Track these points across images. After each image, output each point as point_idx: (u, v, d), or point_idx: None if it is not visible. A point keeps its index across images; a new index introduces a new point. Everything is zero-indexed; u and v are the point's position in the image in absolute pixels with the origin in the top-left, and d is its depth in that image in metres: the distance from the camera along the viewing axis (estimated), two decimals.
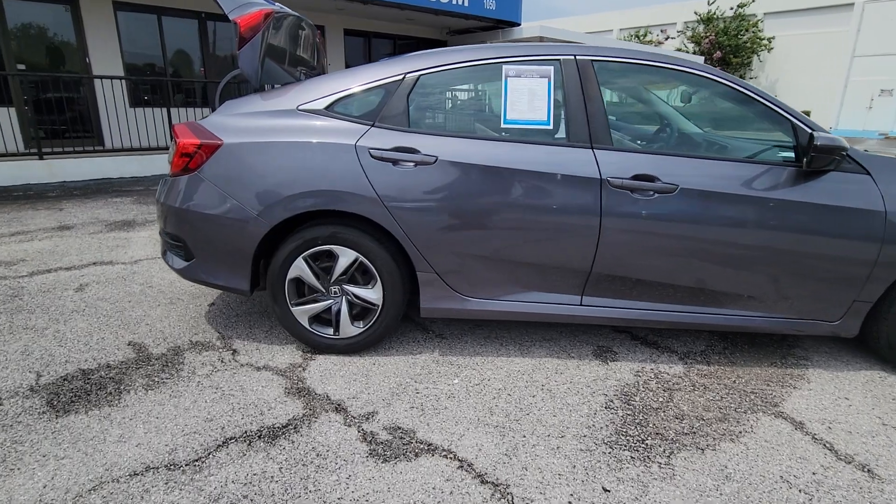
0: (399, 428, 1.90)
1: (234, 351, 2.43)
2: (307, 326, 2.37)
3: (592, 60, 2.24)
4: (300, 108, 2.28)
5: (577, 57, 2.24)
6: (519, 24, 11.10)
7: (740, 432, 1.92)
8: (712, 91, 2.29)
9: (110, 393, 2.07)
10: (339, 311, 2.35)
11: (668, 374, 2.32)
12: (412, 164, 2.16)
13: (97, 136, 7.82)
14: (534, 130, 2.23)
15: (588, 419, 1.97)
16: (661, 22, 27.31)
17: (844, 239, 2.11)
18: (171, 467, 1.68)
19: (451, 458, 1.75)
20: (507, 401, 2.08)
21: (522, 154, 2.16)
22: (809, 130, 2.10)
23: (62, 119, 7.46)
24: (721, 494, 1.61)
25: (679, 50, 21.43)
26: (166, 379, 2.18)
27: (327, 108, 2.27)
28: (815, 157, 2.04)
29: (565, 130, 2.20)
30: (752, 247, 2.14)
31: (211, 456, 1.73)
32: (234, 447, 1.78)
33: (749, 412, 2.04)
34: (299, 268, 2.29)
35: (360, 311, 2.39)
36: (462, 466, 1.71)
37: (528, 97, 2.20)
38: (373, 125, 2.23)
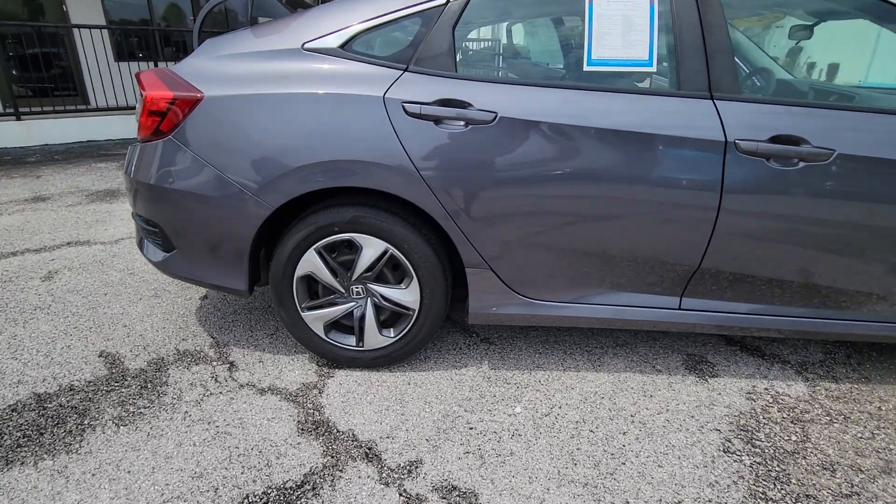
0: (455, 489, 1.39)
1: (232, 364, 1.93)
2: (323, 336, 1.85)
3: None
4: (306, 46, 1.67)
5: None
6: None
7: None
8: None
9: (70, 432, 1.58)
10: (363, 317, 1.82)
11: (789, 396, 1.80)
12: (462, 123, 1.57)
13: (81, 94, 7.15)
14: (630, 74, 1.63)
15: (706, 472, 1.46)
16: None
17: None
18: None
19: None
20: (590, 441, 1.57)
21: (614, 107, 1.57)
22: None
23: (41, 76, 6.78)
24: None
25: None
26: (144, 408, 1.68)
27: (343, 46, 1.66)
28: None
29: (674, 74, 1.60)
30: None
31: None
32: None
33: None
34: (311, 262, 1.75)
35: (390, 316, 1.87)
36: None
37: (622, 27, 1.58)
38: (406, 69, 1.62)
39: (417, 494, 1.37)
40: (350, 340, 1.87)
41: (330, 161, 1.60)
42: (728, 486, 1.42)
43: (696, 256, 1.65)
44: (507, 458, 1.50)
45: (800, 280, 1.68)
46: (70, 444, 1.52)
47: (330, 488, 1.38)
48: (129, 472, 1.43)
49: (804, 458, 1.52)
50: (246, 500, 1.35)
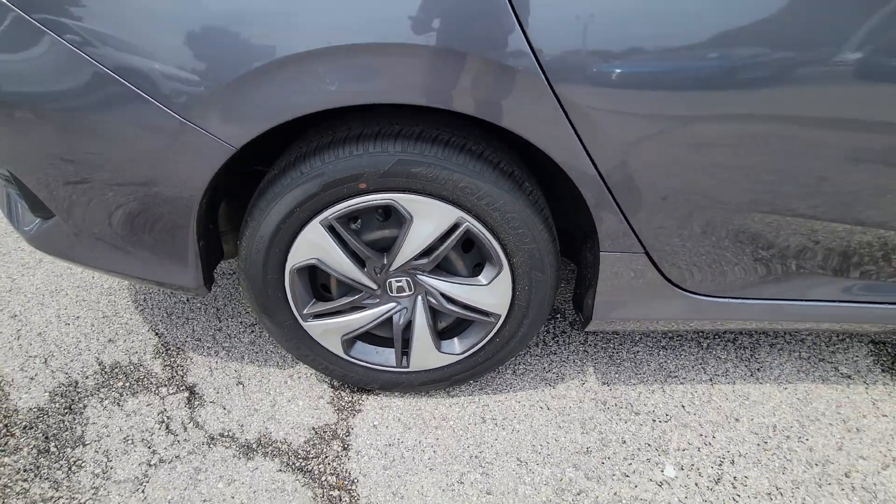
0: None
1: (191, 393, 1.19)
2: (342, 354, 1.11)
3: None
4: None
5: None
6: None
7: None
8: None
9: None
10: (408, 326, 1.07)
11: None
12: None
13: None
14: None
15: None
16: None
17: None
18: None
19: None
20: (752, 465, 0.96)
21: None
22: None
23: None
24: None
25: None
26: (44, 502, 0.97)
27: None
28: None
29: None
30: None
31: None
32: None
33: None
34: (315, 244, 0.95)
35: (453, 322, 1.12)
36: None
37: None
38: None
39: None
40: (386, 357, 1.13)
41: (363, 45, 0.73)
42: None
43: None
44: None
45: None
46: None
47: None
48: None
49: None
50: None
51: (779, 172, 0.84)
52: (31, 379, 1.21)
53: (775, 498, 1.02)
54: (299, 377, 1.24)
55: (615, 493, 1.02)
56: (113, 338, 1.32)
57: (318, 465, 1.05)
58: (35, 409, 1.14)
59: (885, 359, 1.34)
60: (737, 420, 1.17)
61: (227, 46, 0.75)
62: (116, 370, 1.24)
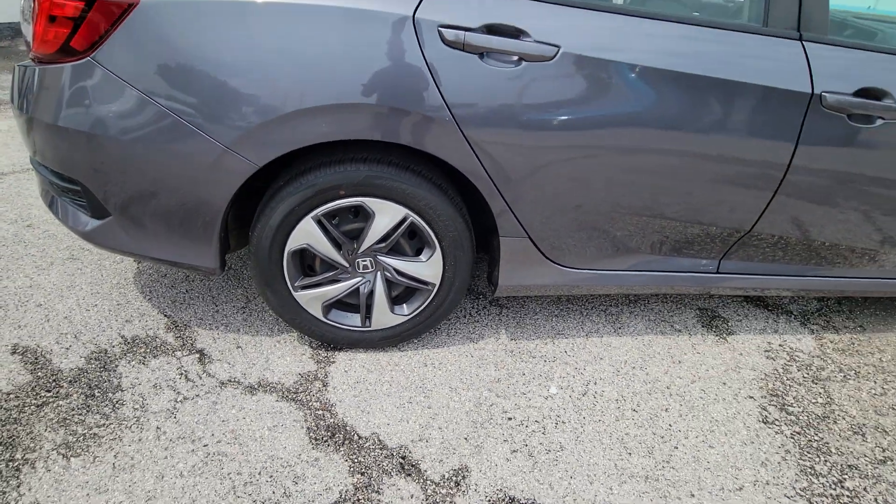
0: (513, 500, 1.23)
1: (202, 354, 1.56)
2: (321, 317, 1.53)
3: None
4: None
5: None
6: None
7: None
8: None
9: None
10: (371, 294, 1.51)
11: (802, 352, 1.81)
12: (515, 57, 1.21)
13: None
14: (706, 5, 1.32)
15: (755, 449, 1.42)
16: None
17: None
18: None
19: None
20: (636, 423, 1.46)
21: (695, 46, 1.28)
22: None
23: None
24: None
25: None
26: (98, 427, 1.30)
27: None
28: None
29: (761, 6, 1.32)
30: None
31: None
32: None
33: None
34: (307, 233, 1.37)
35: (403, 291, 1.57)
36: None
37: None
38: None
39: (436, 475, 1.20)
40: (353, 320, 1.56)
41: (341, 104, 1.18)
42: (778, 463, 1.39)
43: (752, 218, 1.50)
44: (559, 453, 1.36)
45: (862, 244, 1.60)
46: (8, 494, 1.14)
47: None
48: None
49: (835, 422, 1.54)
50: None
51: (624, 181, 1.37)
52: (67, 349, 1.53)
53: (620, 402, 1.53)
54: (285, 342, 1.63)
55: (516, 405, 1.49)
56: (129, 319, 1.66)
57: (306, 396, 1.45)
58: (76, 370, 1.46)
59: (705, 319, 1.92)
60: (601, 359, 1.68)
61: (257, 103, 1.18)
62: (137, 341, 1.58)
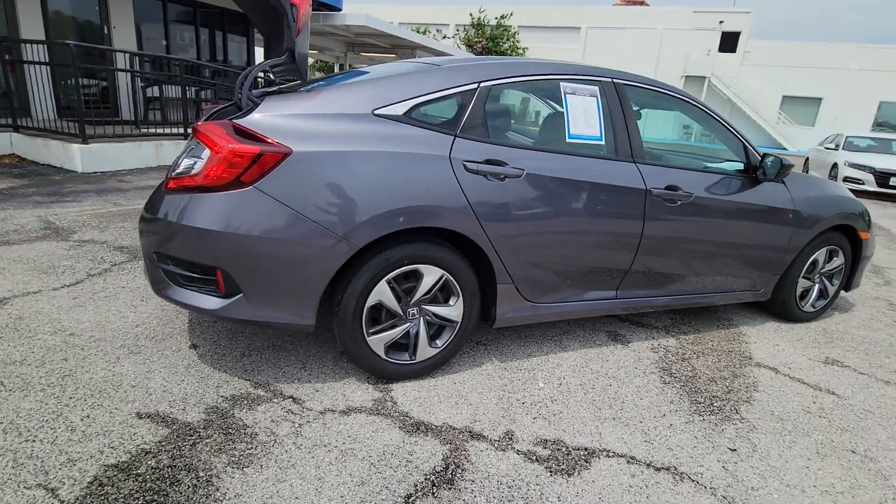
0: (546, 440, 1.93)
1: (293, 398, 2.04)
2: (383, 356, 2.14)
3: (625, 84, 2.54)
4: (376, 112, 2.01)
5: (614, 80, 2.51)
6: (340, 10, 10.73)
7: (753, 383, 2.53)
8: (699, 117, 2.84)
9: (196, 486, 1.55)
10: (416, 334, 2.18)
11: (672, 346, 2.84)
12: (502, 176, 2.14)
13: None
14: (591, 145, 2.43)
15: (664, 396, 2.33)
16: (437, 21, 29.45)
17: (777, 226, 2.91)
18: None
19: (613, 455, 1.89)
20: (595, 394, 2.29)
21: (588, 167, 2.35)
22: (759, 155, 2.83)
23: None
24: (803, 424, 2.15)
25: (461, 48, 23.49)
26: (250, 449, 1.73)
27: (405, 114, 2.06)
28: (768, 171, 2.77)
29: (613, 146, 2.47)
30: (738, 235, 2.78)
31: None
32: None
33: (743, 366, 2.69)
34: (381, 292, 2.05)
35: (436, 330, 2.27)
36: (630, 461, 1.87)
37: (584, 114, 2.39)
38: (456, 135, 2.11)
39: (528, 450, 1.87)
40: (404, 356, 2.20)
41: (410, 207, 1.97)
42: (677, 401, 2.30)
43: (630, 261, 2.55)
44: (561, 414, 2.10)
45: (677, 272, 2.73)
46: (211, 495, 1.53)
47: (469, 462, 1.77)
48: (296, 498, 1.55)
49: (699, 377, 2.53)
50: (415, 488, 1.64)
51: (562, 246, 2.30)
52: (183, 410, 1.90)
53: (584, 385, 2.34)
54: (349, 383, 2.17)
55: (522, 395, 2.22)
56: (218, 385, 2.07)
57: (386, 410, 2.01)
58: (202, 421, 1.85)
59: (611, 336, 2.89)
60: (560, 365, 2.51)
61: (358, 211, 1.91)
62: (237, 398, 2.00)
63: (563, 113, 2.37)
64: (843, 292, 3.63)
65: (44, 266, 3.10)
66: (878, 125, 25.92)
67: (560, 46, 28.26)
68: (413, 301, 2.14)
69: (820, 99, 27.10)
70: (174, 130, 7.25)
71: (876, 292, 4.19)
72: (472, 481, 1.69)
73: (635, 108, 2.68)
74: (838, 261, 3.32)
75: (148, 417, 1.84)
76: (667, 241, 2.59)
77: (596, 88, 2.46)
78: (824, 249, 3.21)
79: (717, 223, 2.71)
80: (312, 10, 10.68)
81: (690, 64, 27.57)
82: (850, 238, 3.31)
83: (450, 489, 1.65)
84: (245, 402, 1.99)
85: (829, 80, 26.61)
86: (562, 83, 2.39)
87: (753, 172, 2.85)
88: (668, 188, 2.53)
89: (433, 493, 1.63)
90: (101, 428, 1.76)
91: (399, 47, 15.05)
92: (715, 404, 2.30)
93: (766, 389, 2.48)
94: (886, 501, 1.79)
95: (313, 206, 1.86)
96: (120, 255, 3.41)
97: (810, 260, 3.18)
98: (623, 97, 2.51)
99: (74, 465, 1.59)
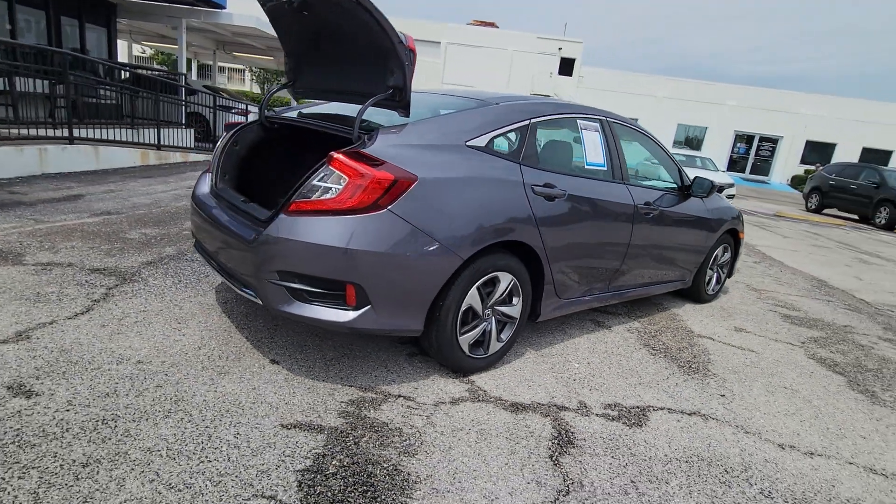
0: (610, 404, 2.47)
1: (403, 396, 2.28)
2: (467, 353, 2.47)
3: (611, 121, 3.21)
4: (468, 144, 2.35)
5: (607, 118, 3.17)
6: (224, 8, 10.10)
7: (705, 350, 3.38)
8: (652, 148, 3.64)
9: (386, 474, 1.76)
10: (489, 332, 2.56)
11: (639, 328, 3.60)
12: (554, 197, 2.63)
13: None
14: (600, 171, 3.04)
15: (659, 364, 3.03)
16: None
17: (701, 230, 3.87)
18: None
19: (658, 409, 2.50)
20: (610, 364, 2.90)
21: (601, 188, 2.96)
22: (691, 177, 3.75)
23: None
24: (749, 373, 2.99)
25: None
26: (406, 441, 1.96)
27: (486, 145, 2.43)
28: (696, 190, 3.69)
29: (611, 171, 3.11)
30: (679, 238, 3.64)
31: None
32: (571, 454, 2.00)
33: (692, 338, 3.55)
34: (472, 297, 2.39)
35: (501, 327, 2.65)
36: (670, 411, 2.49)
37: (594, 146, 2.99)
38: (520, 164, 2.55)
39: (603, 413, 2.39)
40: (480, 352, 2.56)
41: (500, 223, 2.36)
42: (670, 366, 3.02)
43: (621, 260, 3.22)
44: (606, 385, 2.66)
45: (646, 269, 3.49)
46: (408, 478, 1.75)
47: (572, 427, 2.23)
48: (474, 470, 1.85)
49: (672, 349, 3.30)
50: (550, 449, 2.05)
51: (586, 251, 2.86)
52: (319, 417, 2.03)
53: (603, 361, 2.94)
54: (436, 380, 2.46)
55: (570, 374, 2.73)
56: (331, 392, 2.21)
57: (484, 397, 2.36)
58: (344, 423, 2.01)
59: (596, 323, 3.55)
60: (577, 348, 3.08)
61: (465, 228, 2.24)
62: (359, 401, 2.18)
63: (580, 145, 2.95)
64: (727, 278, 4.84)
65: (27, 295, 2.74)
66: (676, 143, 31.96)
67: (422, 59, 29.46)
68: (491, 303, 2.51)
69: (636, 119, 32.43)
70: (59, 133, 6.28)
71: (735, 278, 5.57)
72: (584, 439, 2.16)
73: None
74: (728, 255, 4.46)
75: (294, 428, 1.95)
76: (643, 244, 3.33)
77: (598, 125, 3.09)
78: (721, 246, 4.30)
79: (672, 229, 3.54)
80: (193, 7, 9.90)
81: (536, 83, 30.91)
82: (733, 237, 4.47)
83: (574, 447, 2.09)
84: (366, 404, 2.18)
85: (641, 105, 32.01)
86: (578, 120, 2.96)
87: (686, 190, 3.75)
88: (645, 203, 3.27)
89: (566, 451, 2.05)
90: (261, 442, 1.84)
91: (275, 49, 14.53)
92: (692, 366, 3.08)
93: (715, 353, 3.35)
94: (818, 416, 2.69)
95: (434, 226, 2.15)
96: (104, 278, 3.12)
97: (714, 255, 4.23)
98: (613, 131, 3.18)
99: (269, 475, 1.69)
